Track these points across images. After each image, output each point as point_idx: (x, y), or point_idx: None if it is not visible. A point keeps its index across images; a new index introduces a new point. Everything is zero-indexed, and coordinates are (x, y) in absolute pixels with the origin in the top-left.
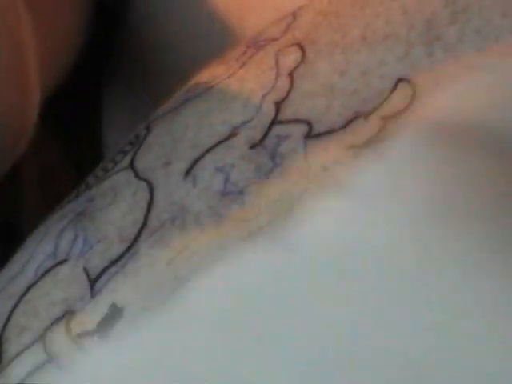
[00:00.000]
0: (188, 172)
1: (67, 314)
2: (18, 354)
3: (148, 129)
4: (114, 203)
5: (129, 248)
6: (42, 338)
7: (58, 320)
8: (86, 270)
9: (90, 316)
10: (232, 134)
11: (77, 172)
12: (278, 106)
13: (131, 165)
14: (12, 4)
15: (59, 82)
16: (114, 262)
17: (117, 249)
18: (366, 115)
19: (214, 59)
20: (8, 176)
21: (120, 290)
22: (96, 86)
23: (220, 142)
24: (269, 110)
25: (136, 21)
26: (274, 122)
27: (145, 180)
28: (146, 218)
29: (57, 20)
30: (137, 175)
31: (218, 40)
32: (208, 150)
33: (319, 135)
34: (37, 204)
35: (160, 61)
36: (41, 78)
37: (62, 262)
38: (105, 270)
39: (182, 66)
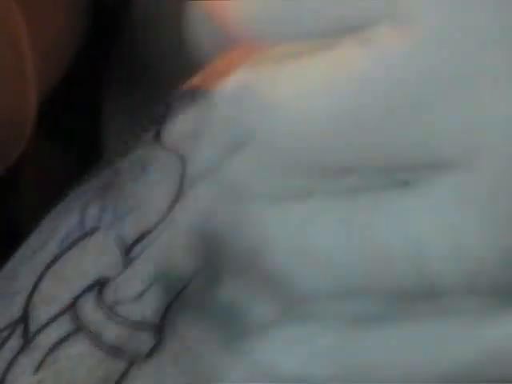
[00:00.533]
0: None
1: (99, 283)
2: (47, 323)
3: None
4: (143, 175)
5: (163, 218)
6: (71, 306)
7: (89, 288)
8: (118, 240)
9: (123, 283)
10: None
11: (77, 172)
12: None
13: (157, 138)
14: (10, 6)
15: (55, 82)
16: (147, 233)
17: (151, 219)
18: None
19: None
20: (7, 178)
21: (154, 259)
22: (96, 87)
23: None
24: None
25: (136, 21)
26: None
27: (174, 151)
28: (180, 187)
29: (50, 22)
30: (164, 147)
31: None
32: None
33: None
34: (35, 206)
35: (160, 60)
36: (37, 78)
37: (91, 233)
38: (139, 239)
39: (183, 65)
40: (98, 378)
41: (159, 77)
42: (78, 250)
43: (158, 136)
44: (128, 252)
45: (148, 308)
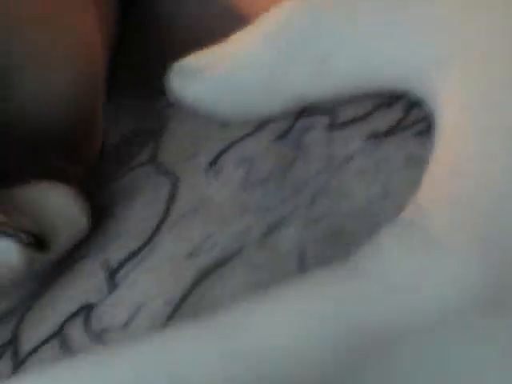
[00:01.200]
0: (212, 163)
1: (85, 308)
2: (37, 348)
3: (165, 120)
4: (134, 197)
5: (148, 241)
6: (60, 331)
7: (76, 313)
8: (104, 264)
9: (109, 309)
10: (259, 128)
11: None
12: None
13: (153, 159)
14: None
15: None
16: (133, 255)
17: (137, 242)
18: (389, 104)
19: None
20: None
21: (140, 283)
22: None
23: (246, 135)
24: None
25: (141, 15)
26: (300, 115)
27: (168, 173)
28: (167, 209)
29: (112, 16)
30: (159, 170)
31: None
32: (234, 143)
33: (343, 124)
34: None
35: (165, 56)
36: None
37: (80, 258)
38: (124, 262)
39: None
40: None
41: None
42: (67, 273)
43: (153, 156)
44: (112, 276)
45: (136, 336)
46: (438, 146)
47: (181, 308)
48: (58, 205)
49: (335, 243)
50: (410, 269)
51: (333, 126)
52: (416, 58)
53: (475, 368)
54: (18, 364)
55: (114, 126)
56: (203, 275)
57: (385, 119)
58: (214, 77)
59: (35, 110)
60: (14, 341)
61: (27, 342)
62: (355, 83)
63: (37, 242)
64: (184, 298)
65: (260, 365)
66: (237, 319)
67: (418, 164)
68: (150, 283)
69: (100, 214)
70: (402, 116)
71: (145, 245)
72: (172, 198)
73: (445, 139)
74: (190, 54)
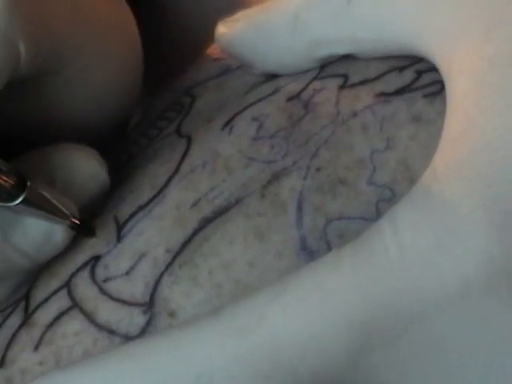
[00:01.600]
0: (226, 124)
1: (92, 260)
2: (46, 299)
3: (192, 96)
4: (153, 159)
5: (157, 194)
6: (68, 283)
7: (84, 265)
8: (115, 217)
9: (114, 259)
10: (274, 92)
11: None
12: (322, 67)
13: (177, 130)
14: None
15: None
16: (141, 208)
17: (146, 195)
18: (402, 68)
19: None
20: None
21: (144, 233)
22: None
23: (262, 98)
24: (314, 71)
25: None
26: (314, 79)
27: (185, 136)
28: (178, 165)
29: None
30: (179, 136)
31: None
32: (249, 105)
33: (353, 85)
34: None
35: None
36: None
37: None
38: (133, 215)
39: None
40: None
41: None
42: None
43: (178, 127)
44: (121, 228)
45: (137, 284)
46: (451, 110)
47: (180, 255)
48: (81, 163)
49: (334, 193)
50: (427, 244)
51: (343, 87)
52: (434, 24)
53: (498, 342)
54: (28, 316)
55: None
56: (204, 223)
57: (395, 81)
58: (247, 21)
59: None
60: (26, 295)
61: (39, 294)
62: (373, 35)
63: (84, 226)
64: (184, 245)
65: (284, 358)
66: (256, 311)
67: (424, 122)
68: (153, 232)
69: (116, 175)
70: (413, 79)
71: (153, 198)
72: (184, 156)
73: (457, 103)
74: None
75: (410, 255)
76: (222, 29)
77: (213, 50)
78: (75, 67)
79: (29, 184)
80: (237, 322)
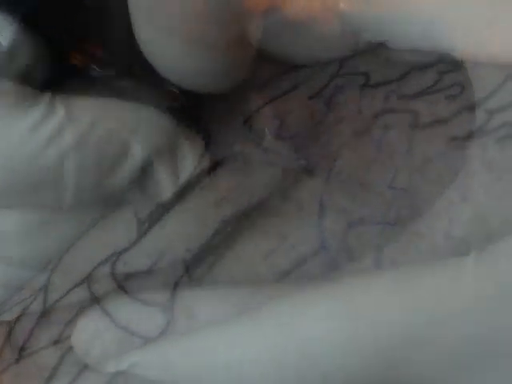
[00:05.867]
0: (247, 120)
1: (114, 255)
2: (65, 294)
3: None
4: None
5: (178, 191)
6: (88, 278)
7: (105, 260)
8: (135, 213)
9: (134, 256)
10: (295, 87)
11: None
12: (342, 62)
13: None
14: None
15: None
16: (162, 205)
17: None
18: (423, 67)
19: None
20: None
21: (165, 231)
22: None
23: (282, 94)
24: (333, 66)
25: None
26: (335, 76)
27: (203, 133)
28: (197, 165)
29: None
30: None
31: None
32: (270, 101)
33: (375, 85)
34: None
35: None
36: None
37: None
38: (154, 212)
39: None
40: (113, 357)
41: None
42: (100, 225)
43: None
44: (142, 225)
45: (157, 283)
46: None
47: (200, 255)
48: None
49: (355, 197)
50: None
51: (365, 86)
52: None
53: None
54: (47, 309)
55: None
56: (225, 224)
57: (417, 82)
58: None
59: None
60: (45, 286)
61: (58, 287)
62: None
63: None
64: (205, 245)
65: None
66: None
67: (445, 123)
68: (174, 231)
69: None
70: (436, 80)
71: (174, 195)
72: (203, 154)
73: None
74: None
75: None
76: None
77: None
78: None
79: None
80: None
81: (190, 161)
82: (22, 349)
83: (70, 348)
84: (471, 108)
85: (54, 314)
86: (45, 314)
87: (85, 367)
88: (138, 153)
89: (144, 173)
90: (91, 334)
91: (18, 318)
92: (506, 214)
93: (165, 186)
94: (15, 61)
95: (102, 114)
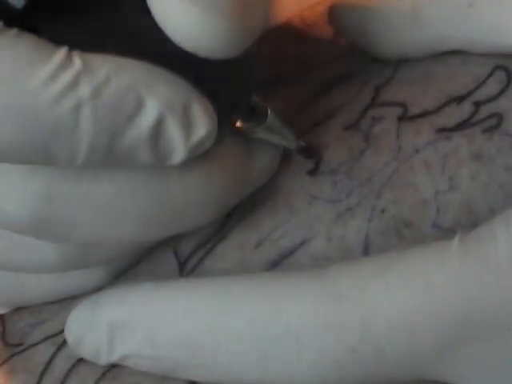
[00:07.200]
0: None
1: None
2: None
3: None
4: None
5: (220, 229)
6: None
7: None
8: (175, 253)
9: None
10: (328, 116)
11: None
12: (378, 90)
13: None
14: None
15: None
16: (202, 244)
17: (208, 230)
18: (460, 99)
19: None
20: None
21: (209, 272)
22: None
23: (316, 125)
24: (368, 93)
25: None
26: (371, 105)
27: None
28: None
29: None
30: None
31: None
32: (305, 131)
33: (413, 117)
34: None
35: None
36: None
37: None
38: (193, 252)
39: None
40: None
41: None
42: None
43: None
44: (184, 264)
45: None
46: None
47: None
48: None
49: (400, 236)
50: None
51: (402, 119)
52: None
53: None
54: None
55: None
56: (270, 266)
57: (454, 114)
58: (366, 8)
59: None
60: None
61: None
62: (490, 39)
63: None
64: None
65: (373, 335)
66: (359, 282)
67: (484, 159)
68: (217, 273)
69: None
70: (472, 112)
71: (216, 233)
72: (214, 118)
73: None
74: None
75: (506, 266)
76: (338, 12)
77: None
78: None
79: (270, 111)
80: (338, 288)
81: (202, 122)
82: (15, 345)
83: (64, 343)
84: None
85: (46, 309)
86: (38, 309)
87: (78, 362)
88: (152, 109)
89: (156, 132)
90: (83, 325)
91: (11, 314)
92: (493, 202)
93: (176, 145)
94: None
95: (118, 68)
